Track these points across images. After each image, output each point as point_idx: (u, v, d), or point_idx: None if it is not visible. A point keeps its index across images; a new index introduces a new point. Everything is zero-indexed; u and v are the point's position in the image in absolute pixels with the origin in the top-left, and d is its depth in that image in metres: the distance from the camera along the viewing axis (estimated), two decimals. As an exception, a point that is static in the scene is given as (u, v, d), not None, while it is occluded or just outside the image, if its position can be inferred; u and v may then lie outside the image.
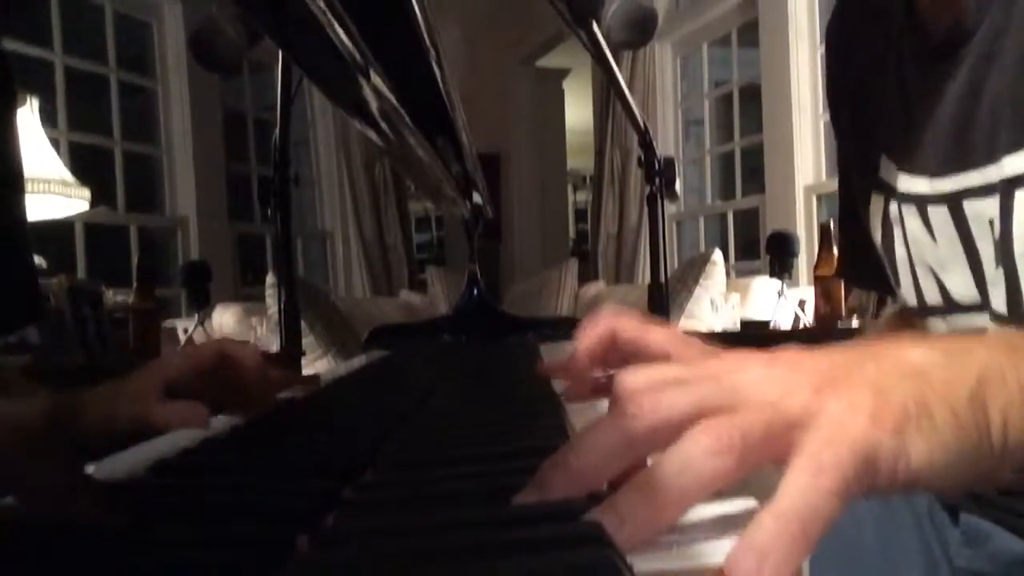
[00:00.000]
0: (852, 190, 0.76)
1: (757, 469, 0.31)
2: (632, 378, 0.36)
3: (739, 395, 0.33)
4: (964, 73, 0.59)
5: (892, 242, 0.68)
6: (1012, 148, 0.54)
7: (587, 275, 4.56)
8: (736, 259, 4.17)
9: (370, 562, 0.27)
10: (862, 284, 0.79)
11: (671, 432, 0.32)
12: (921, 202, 0.64)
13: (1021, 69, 0.54)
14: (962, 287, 0.61)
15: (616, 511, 0.30)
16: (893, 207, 0.67)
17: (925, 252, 0.64)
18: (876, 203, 0.69)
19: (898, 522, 0.74)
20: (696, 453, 0.31)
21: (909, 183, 0.65)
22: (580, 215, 8.04)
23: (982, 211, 0.58)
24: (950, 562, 0.70)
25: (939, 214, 0.62)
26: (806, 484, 0.29)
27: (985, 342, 0.36)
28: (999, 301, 0.57)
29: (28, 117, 2.38)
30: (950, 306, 0.63)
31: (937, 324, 0.67)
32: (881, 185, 0.68)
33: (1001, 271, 0.56)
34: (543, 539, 0.28)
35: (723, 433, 0.31)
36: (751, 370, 0.34)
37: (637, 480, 0.31)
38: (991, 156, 0.56)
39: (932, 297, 0.65)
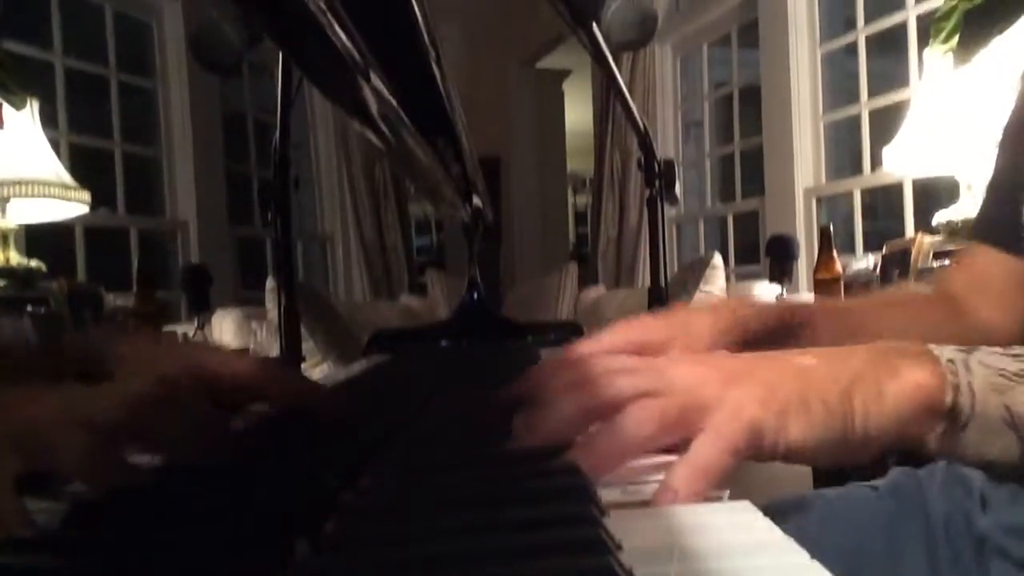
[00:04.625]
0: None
1: (677, 438, 0.43)
2: (595, 364, 0.50)
3: (669, 384, 0.44)
4: None
5: None
6: None
7: (587, 278, 4.56)
8: (736, 263, 4.17)
9: (370, 566, 0.27)
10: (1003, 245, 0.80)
11: (616, 407, 0.43)
12: None
13: None
14: None
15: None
16: None
17: None
18: None
19: (906, 526, 0.74)
20: (628, 422, 0.42)
21: None
22: (580, 218, 8.06)
23: None
24: (958, 564, 0.70)
25: None
26: (709, 444, 0.41)
27: (859, 352, 0.48)
28: None
29: (28, 119, 2.37)
30: None
31: None
32: None
33: None
34: (543, 545, 0.28)
35: (648, 409, 0.43)
36: (681, 366, 0.46)
37: (586, 440, 0.43)
38: None
39: None
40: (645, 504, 0.39)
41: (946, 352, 0.47)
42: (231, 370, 0.53)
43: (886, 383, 0.45)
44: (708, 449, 0.41)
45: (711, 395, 0.43)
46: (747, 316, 0.65)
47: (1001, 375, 0.46)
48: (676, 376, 0.45)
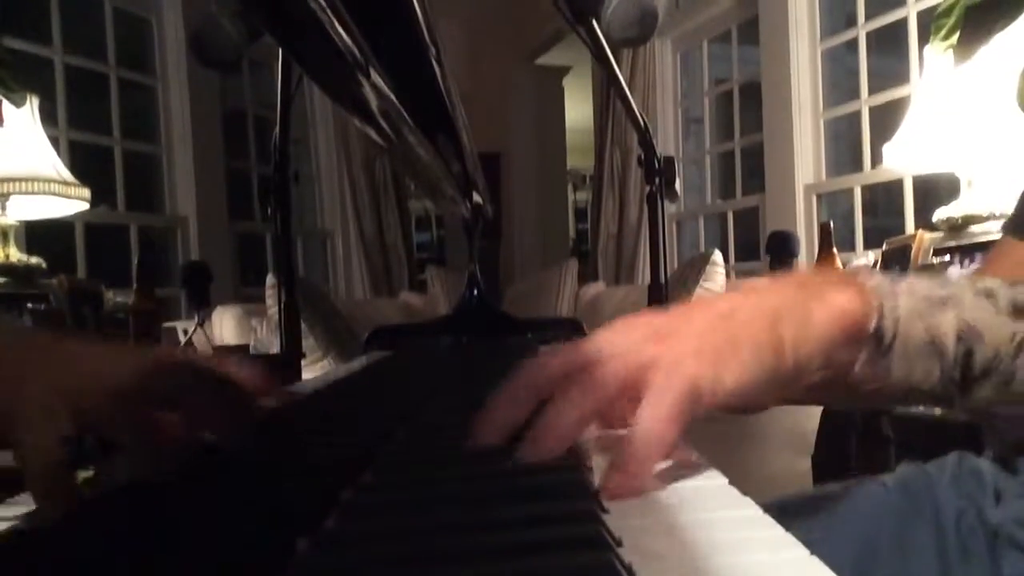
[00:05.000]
0: None
1: (623, 399, 0.44)
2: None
3: (604, 351, 0.44)
4: None
5: None
6: None
7: (587, 275, 4.56)
8: (736, 259, 4.17)
9: (370, 564, 0.27)
10: None
11: (558, 384, 0.44)
12: None
13: None
14: None
15: (525, 450, 0.40)
16: None
17: None
18: None
19: (917, 522, 0.73)
20: (572, 396, 0.42)
21: None
22: (580, 214, 8.05)
23: None
24: (967, 558, 0.70)
25: None
26: (651, 416, 0.41)
27: (781, 284, 0.48)
28: None
29: (27, 116, 2.37)
30: None
31: None
32: None
33: None
34: (543, 541, 0.28)
35: (591, 379, 0.43)
36: (610, 334, 0.46)
37: (536, 424, 0.42)
38: None
39: None
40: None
41: (873, 279, 0.48)
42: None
43: (812, 308, 0.46)
44: (651, 423, 0.41)
45: (648, 354, 0.43)
46: None
47: (926, 300, 0.47)
48: (607, 343, 0.45)
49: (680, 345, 0.44)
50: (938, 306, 0.47)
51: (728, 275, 3.28)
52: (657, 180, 1.43)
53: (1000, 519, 0.69)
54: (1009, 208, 0.83)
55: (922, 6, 3.02)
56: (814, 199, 3.49)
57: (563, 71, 6.15)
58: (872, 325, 0.46)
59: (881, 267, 2.33)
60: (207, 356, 0.59)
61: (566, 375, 0.44)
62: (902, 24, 3.15)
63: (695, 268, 3.01)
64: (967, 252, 2.01)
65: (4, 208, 2.34)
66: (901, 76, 3.20)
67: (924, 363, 0.47)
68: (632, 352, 0.44)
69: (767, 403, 0.47)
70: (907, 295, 0.47)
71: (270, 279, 2.93)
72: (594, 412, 0.43)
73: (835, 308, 0.46)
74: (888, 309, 0.46)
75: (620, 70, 1.47)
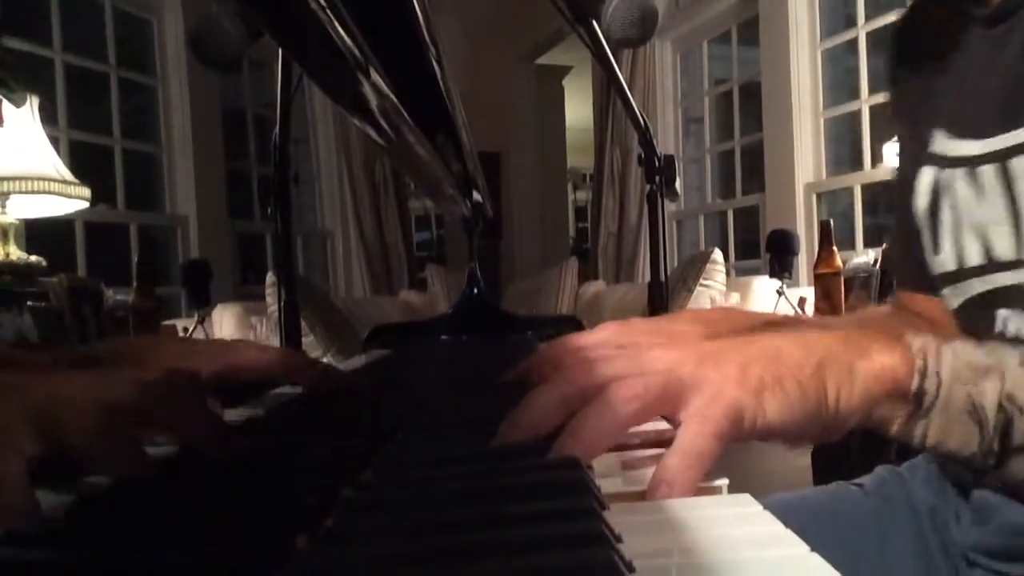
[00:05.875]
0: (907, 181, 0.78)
1: (658, 416, 0.44)
2: (566, 349, 0.54)
3: (646, 365, 0.45)
4: (1019, 34, 0.63)
5: (938, 209, 0.71)
6: None
7: (587, 274, 4.56)
8: (736, 258, 4.17)
9: (370, 562, 0.27)
10: (912, 285, 0.80)
11: (595, 392, 0.43)
12: (971, 164, 0.67)
13: None
14: (1004, 245, 0.65)
15: (557, 450, 0.40)
16: (944, 175, 0.70)
17: (973, 212, 0.67)
18: (926, 176, 0.73)
19: (894, 521, 0.74)
20: (611, 401, 0.42)
21: (961, 148, 0.69)
22: (580, 213, 8.05)
23: None
24: (948, 556, 0.70)
25: (988, 173, 0.65)
26: (695, 431, 0.41)
27: (830, 334, 0.49)
28: None
29: (28, 116, 2.37)
30: (991, 265, 0.67)
31: (971, 287, 0.69)
32: (932, 159, 0.72)
33: None
34: (543, 539, 0.28)
35: (631, 386, 0.43)
36: (655, 350, 0.46)
37: (570, 426, 0.42)
38: None
39: (974, 258, 0.69)
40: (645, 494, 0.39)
41: (918, 339, 0.48)
42: (257, 361, 0.58)
43: (856, 363, 0.46)
44: (694, 437, 0.41)
45: (689, 373, 0.43)
46: (738, 326, 0.65)
47: (969, 367, 0.47)
48: (652, 359, 0.45)
49: (724, 371, 0.44)
50: (982, 374, 0.47)
51: (728, 274, 3.29)
52: (657, 179, 1.43)
53: (960, 542, 0.69)
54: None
55: (922, 5, 3.02)
56: (814, 198, 3.49)
57: (563, 71, 6.16)
58: (914, 386, 0.46)
59: (881, 265, 2.33)
60: (214, 344, 0.60)
61: (606, 382, 0.44)
62: (902, 23, 3.15)
63: (695, 267, 3.02)
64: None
65: (4, 207, 2.34)
66: (901, 75, 3.20)
67: (963, 429, 0.47)
68: (678, 368, 0.44)
69: (800, 444, 0.47)
70: (952, 358, 0.47)
71: (270, 277, 2.93)
72: (631, 423, 0.43)
73: (878, 365, 0.46)
74: (931, 371, 0.47)
75: (620, 70, 1.47)
